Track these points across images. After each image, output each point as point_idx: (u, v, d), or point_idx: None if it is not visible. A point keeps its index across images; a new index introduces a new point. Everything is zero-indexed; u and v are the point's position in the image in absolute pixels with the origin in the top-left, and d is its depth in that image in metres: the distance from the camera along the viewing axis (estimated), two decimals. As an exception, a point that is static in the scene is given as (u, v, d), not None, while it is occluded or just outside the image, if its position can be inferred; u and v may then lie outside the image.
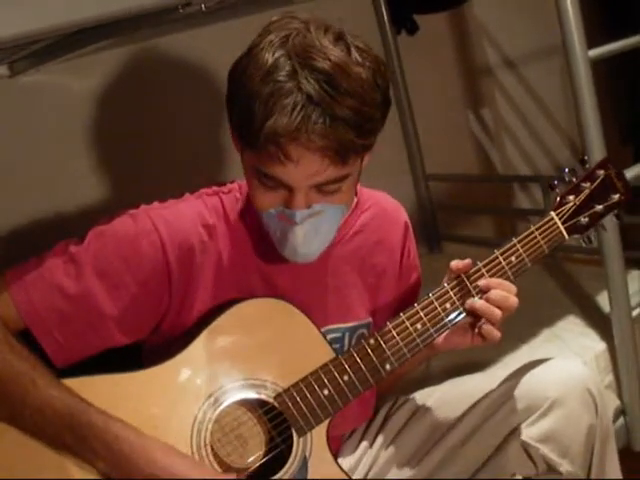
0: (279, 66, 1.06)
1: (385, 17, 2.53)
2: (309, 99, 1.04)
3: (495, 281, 1.25)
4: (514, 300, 1.24)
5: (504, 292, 1.24)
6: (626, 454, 1.46)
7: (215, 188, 1.28)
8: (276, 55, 1.07)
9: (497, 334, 1.24)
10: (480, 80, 2.92)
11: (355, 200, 1.34)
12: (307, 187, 1.11)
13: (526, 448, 1.29)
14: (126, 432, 1.09)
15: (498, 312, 1.23)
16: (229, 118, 1.15)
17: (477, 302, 1.24)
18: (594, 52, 1.67)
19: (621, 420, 1.82)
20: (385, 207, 1.40)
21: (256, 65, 1.07)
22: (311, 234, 1.16)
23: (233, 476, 1.17)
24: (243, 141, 1.13)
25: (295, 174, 1.09)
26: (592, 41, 1.67)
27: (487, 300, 1.23)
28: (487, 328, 1.24)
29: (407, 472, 1.36)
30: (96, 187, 1.99)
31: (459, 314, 1.26)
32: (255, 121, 1.06)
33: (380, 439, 1.40)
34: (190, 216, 1.22)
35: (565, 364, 1.35)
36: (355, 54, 1.09)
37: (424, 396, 1.42)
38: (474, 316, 1.26)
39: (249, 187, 1.18)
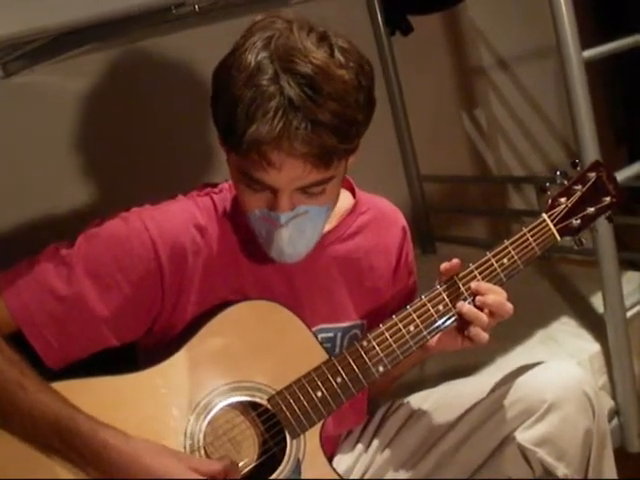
0: (261, 69, 1.05)
1: (379, 18, 2.53)
2: (291, 104, 1.04)
3: (485, 286, 1.25)
4: (510, 307, 1.23)
5: (500, 298, 1.23)
6: (620, 455, 1.46)
7: (207, 189, 1.28)
8: (259, 58, 1.06)
9: (484, 336, 1.23)
10: (474, 81, 2.92)
11: (353, 202, 1.34)
12: (291, 190, 1.11)
13: (523, 451, 1.28)
14: (114, 438, 1.07)
15: (485, 318, 1.22)
16: (214, 119, 1.14)
17: (465, 307, 1.23)
18: (588, 53, 1.68)
19: (615, 421, 1.82)
20: (384, 211, 1.39)
21: (239, 67, 1.07)
22: (296, 235, 1.16)
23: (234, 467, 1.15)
24: (227, 144, 1.13)
25: (278, 179, 1.09)
26: (586, 42, 1.68)
27: (483, 304, 1.23)
28: (474, 331, 1.23)
29: (403, 475, 1.35)
30: (88, 188, 1.99)
31: (451, 316, 1.25)
32: (238, 127, 1.06)
33: (376, 442, 1.40)
34: (182, 216, 1.22)
35: (562, 367, 1.34)
36: (338, 55, 1.08)
37: (420, 400, 1.41)
38: (462, 320, 1.25)
39: (235, 188, 1.19)
